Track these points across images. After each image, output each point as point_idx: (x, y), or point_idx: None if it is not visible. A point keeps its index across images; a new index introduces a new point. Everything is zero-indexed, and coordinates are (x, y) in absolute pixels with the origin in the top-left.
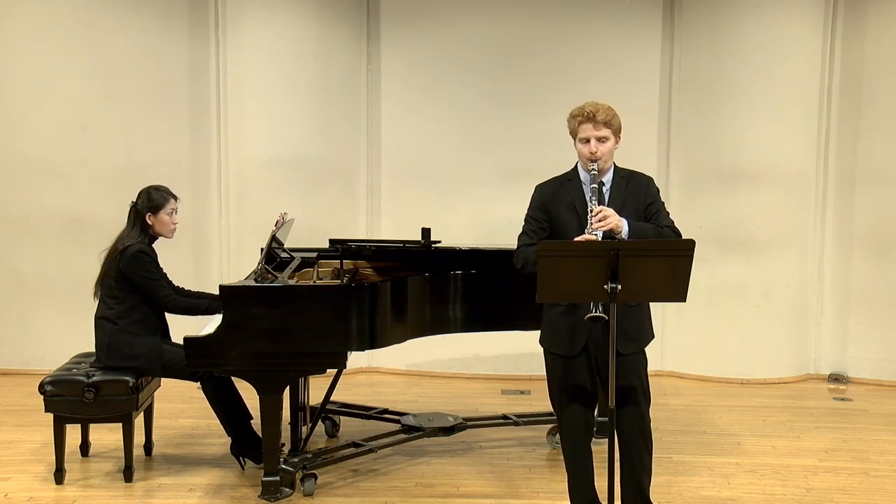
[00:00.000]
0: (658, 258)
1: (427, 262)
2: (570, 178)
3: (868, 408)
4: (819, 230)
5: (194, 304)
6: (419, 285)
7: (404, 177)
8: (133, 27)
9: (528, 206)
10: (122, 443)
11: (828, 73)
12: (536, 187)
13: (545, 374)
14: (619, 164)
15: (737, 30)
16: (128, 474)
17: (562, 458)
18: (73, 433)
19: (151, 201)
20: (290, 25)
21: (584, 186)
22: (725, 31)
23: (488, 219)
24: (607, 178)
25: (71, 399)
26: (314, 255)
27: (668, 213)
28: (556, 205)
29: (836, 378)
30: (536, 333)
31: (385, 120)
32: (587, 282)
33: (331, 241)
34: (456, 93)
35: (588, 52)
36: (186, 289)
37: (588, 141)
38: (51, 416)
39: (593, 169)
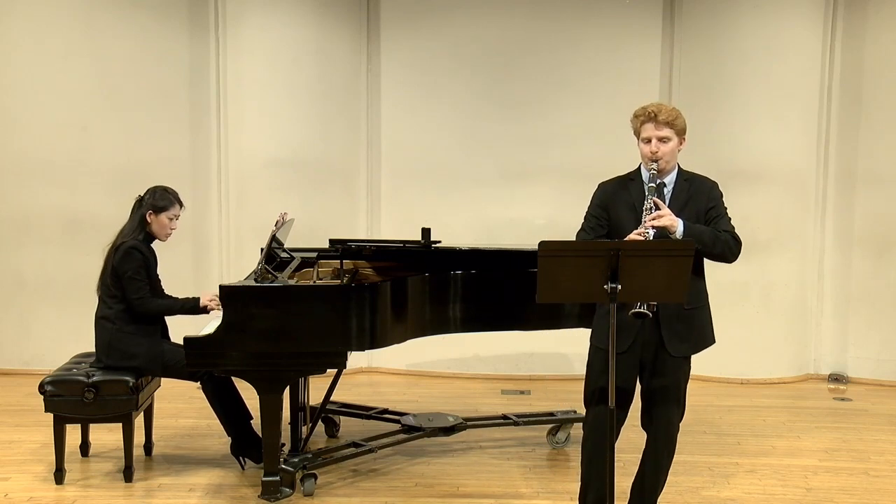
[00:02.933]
0: (658, 258)
1: (427, 262)
2: (632, 178)
3: (868, 408)
4: (819, 230)
5: (167, 304)
6: (419, 285)
7: (404, 177)
8: (133, 27)
9: (589, 203)
10: (122, 443)
11: (828, 73)
12: (599, 185)
13: (585, 369)
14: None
15: (736, 30)
16: (128, 474)
17: (561, 458)
18: (73, 433)
19: (158, 201)
20: (289, 26)
21: (645, 186)
22: (725, 31)
23: (488, 219)
24: (670, 179)
25: (71, 399)
26: (314, 255)
27: (729, 219)
28: (615, 203)
29: (836, 378)
30: (537, 333)
31: (385, 120)
32: (587, 282)
33: (331, 241)
34: (456, 93)
35: (588, 53)
36: (172, 296)
37: (649, 141)
38: (51, 416)
39: (653, 168)
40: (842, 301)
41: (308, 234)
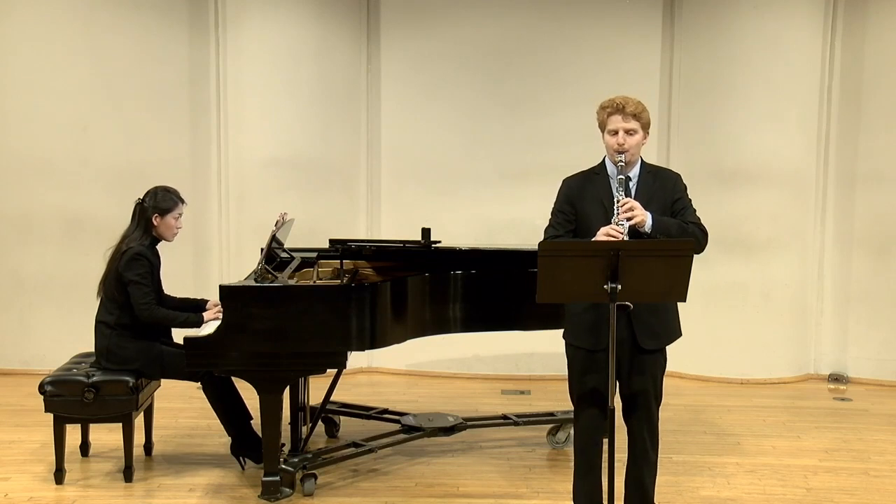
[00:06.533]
0: (658, 258)
1: (427, 262)
2: (597, 172)
3: (868, 408)
4: (819, 230)
5: (171, 315)
6: (419, 285)
7: (404, 177)
8: (133, 27)
9: (554, 199)
10: (122, 443)
11: (828, 73)
12: (564, 181)
13: (566, 369)
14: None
15: (736, 30)
16: (128, 474)
17: (561, 458)
18: (73, 433)
19: (161, 203)
20: (289, 25)
21: (610, 180)
22: (725, 31)
23: (488, 219)
24: (634, 173)
25: (71, 399)
26: (314, 255)
27: (694, 210)
28: (582, 198)
29: (836, 378)
30: (536, 333)
31: (385, 120)
32: (587, 282)
33: (331, 241)
34: (456, 93)
35: (588, 53)
36: (176, 297)
37: (616, 133)
38: (51, 416)
39: (620, 161)
40: (842, 301)
41: (308, 234)
